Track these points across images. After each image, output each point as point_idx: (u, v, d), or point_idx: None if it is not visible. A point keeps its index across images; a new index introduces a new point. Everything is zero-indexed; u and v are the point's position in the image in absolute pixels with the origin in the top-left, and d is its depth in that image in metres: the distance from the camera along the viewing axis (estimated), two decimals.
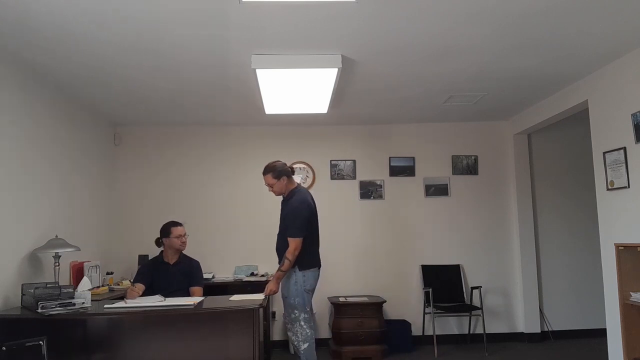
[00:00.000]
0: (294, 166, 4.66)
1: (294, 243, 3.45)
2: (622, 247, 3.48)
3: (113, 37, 3.10)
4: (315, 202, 3.76)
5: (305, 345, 3.51)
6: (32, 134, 3.66)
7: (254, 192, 5.48)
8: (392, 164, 5.62)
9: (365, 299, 4.98)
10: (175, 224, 3.84)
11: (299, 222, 3.48)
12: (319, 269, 3.69)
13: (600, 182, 4.00)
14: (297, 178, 4.15)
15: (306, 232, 3.51)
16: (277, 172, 3.62)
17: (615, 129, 3.80)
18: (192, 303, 3.07)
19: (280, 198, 3.81)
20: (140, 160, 5.46)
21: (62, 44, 3.18)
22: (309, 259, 3.59)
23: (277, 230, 3.76)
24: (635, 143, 3.56)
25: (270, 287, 3.51)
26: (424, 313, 5.36)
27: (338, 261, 5.43)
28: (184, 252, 3.89)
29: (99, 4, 2.67)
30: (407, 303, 5.43)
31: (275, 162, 3.68)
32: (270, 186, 3.66)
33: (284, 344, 5.24)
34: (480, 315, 5.32)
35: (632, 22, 3.06)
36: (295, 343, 3.56)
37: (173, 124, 5.45)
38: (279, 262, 3.70)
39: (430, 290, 5.09)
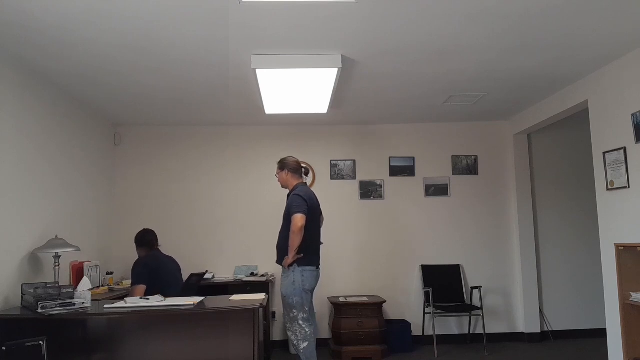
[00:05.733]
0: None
1: (295, 219, 3.50)
2: (622, 247, 3.48)
3: (113, 37, 3.10)
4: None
5: (305, 344, 3.52)
6: (32, 134, 3.66)
7: (254, 192, 5.49)
8: (392, 164, 5.62)
9: (365, 299, 4.98)
10: None
11: (300, 201, 3.59)
12: (318, 268, 3.70)
13: (600, 182, 4.00)
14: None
15: (308, 213, 3.57)
16: (283, 164, 3.86)
17: (615, 129, 3.80)
18: (192, 303, 3.07)
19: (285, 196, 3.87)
20: (140, 160, 5.46)
21: (62, 44, 3.18)
22: (308, 255, 3.60)
23: (278, 230, 3.77)
24: (635, 143, 3.56)
25: (287, 261, 3.59)
26: (424, 313, 5.36)
27: (338, 261, 5.43)
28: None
29: (98, 4, 2.67)
30: (407, 303, 5.43)
31: (289, 157, 3.93)
32: (276, 176, 3.93)
33: (284, 344, 5.24)
34: (480, 315, 5.32)
35: (632, 22, 3.06)
36: (295, 342, 3.57)
37: (173, 124, 5.45)
38: (277, 260, 3.71)
39: (430, 290, 5.09)
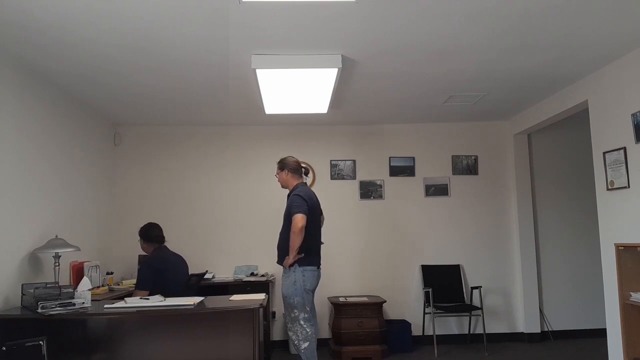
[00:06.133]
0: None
1: (296, 219, 3.49)
2: (622, 247, 3.48)
3: (113, 37, 3.10)
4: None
5: (306, 345, 3.52)
6: (32, 134, 3.66)
7: (254, 192, 5.49)
8: (392, 164, 5.62)
9: (365, 299, 4.98)
10: None
11: (300, 201, 3.58)
12: (319, 268, 3.70)
13: (600, 182, 4.00)
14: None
15: (308, 213, 3.56)
16: (283, 164, 3.85)
17: (615, 129, 3.80)
18: (192, 303, 3.07)
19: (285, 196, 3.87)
20: (140, 160, 5.46)
21: (62, 44, 3.18)
22: (309, 255, 3.60)
23: (278, 230, 3.77)
24: (635, 143, 3.56)
25: (288, 261, 3.58)
26: (424, 313, 5.36)
27: (338, 261, 5.43)
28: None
29: (98, 4, 2.67)
30: (407, 303, 5.44)
31: (289, 156, 3.91)
32: (276, 176, 3.92)
33: (284, 344, 5.24)
34: (480, 315, 5.32)
35: (632, 22, 3.06)
36: (296, 342, 3.57)
37: (173, 124, 5.45)
38: (278, 261, 3.71)
39: (430, 290, 5.09)
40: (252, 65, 3.46)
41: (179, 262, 3.99)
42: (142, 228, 3.97)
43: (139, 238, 3.97)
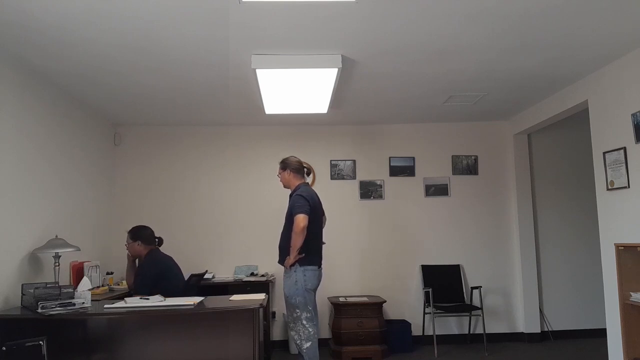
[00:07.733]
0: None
1: (298, 220, 3.50)
2: (622, 247, 3.48)
3: (113, 37, 3.10)
4: None
5: (308, 345, 3.52)
6: (32, 134, 3.66)
7: (254, 191, 5.49)
8: (392, 164, 5.62)
9: (365, 299, 4.98)
10: None
11: (302, 202, 3.58)
12: (320, 268, 3.70)
13: (600, 182, 4.00)
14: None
15: (310, 213, 3.55)
16: (285, 164, 3.85)
17: (615, 129, 3.80)
18: (192, 303, 3.08)
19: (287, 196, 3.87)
20: (141, 160, 5.46)
21: (62, 44, 3.18)
22: (309, 255, 3.60)
23: (278, 230, 3.77)
24: (635, 143, 3.56)
25: (289, 261, 3.59)
26: (424, 313, 5.36)
27: (338, 261, 5.43)
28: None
29: (98, 4, 2.67)
30: (407, 303, 5.44)
31: (291, 156, 3.90)
32: (278, 176, 3.91)
33: (284, 344, 5.24)
34: (480, 315, 5.32)
35: (632, 22, 3.07)
36: (298, 342, 3.57)
37: (173, 124, 5.45)
38: (280, 261, 3.71)
39: (430, 290, 5.09)
40: (252, 65, 3.46)
41: (174, 263, 3.98)
42: (136, 230, 3.91)
43: (130, 240, 3.88)
